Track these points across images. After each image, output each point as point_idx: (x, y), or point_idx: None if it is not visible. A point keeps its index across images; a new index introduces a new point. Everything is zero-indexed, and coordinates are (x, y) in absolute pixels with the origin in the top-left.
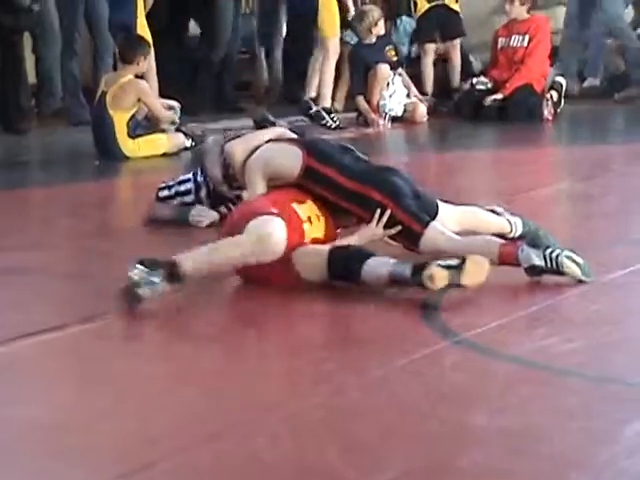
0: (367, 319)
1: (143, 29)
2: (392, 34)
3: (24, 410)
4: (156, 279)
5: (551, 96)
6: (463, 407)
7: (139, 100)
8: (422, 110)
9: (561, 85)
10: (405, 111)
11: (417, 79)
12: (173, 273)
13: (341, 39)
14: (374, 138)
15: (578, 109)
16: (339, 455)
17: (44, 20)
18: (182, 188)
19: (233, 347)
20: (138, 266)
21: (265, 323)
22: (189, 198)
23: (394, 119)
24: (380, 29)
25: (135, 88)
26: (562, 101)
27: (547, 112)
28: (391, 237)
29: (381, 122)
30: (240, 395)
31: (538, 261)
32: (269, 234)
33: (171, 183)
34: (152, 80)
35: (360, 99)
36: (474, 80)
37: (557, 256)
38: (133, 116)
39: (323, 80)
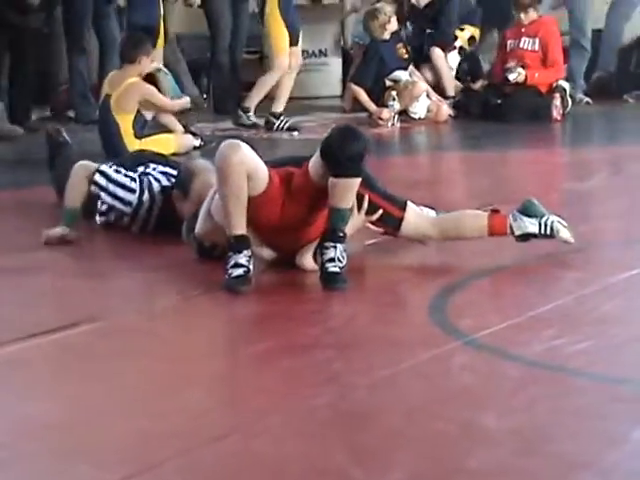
0: (374, 320)
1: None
2: (402, 32)
3: (32, 408)
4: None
5: (561, 97)
6: (472, 408)
7: (140, 103)
8: (445, 110)
9: (564, 89)
10: (428, 111)
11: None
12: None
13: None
14: (382, 137)
15: (587, 110)
16: (345, 456)
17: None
18: (119, 193)
19: (239, 347)
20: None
21: (271, 323)
22: (127, 209)
23: (417, 119)
24: (393, 25)
25: (139, 91)
26: (569, 102)
27: (556, 113)
28: (372, 223)
29: (390, 123)
30: (245, 395)
31: (533, 228)
32: (228, 156)
33: (112, 178)
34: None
35: (360, 90)
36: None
37: (552, 222)
38: (138, 115)
39: (257, 87)
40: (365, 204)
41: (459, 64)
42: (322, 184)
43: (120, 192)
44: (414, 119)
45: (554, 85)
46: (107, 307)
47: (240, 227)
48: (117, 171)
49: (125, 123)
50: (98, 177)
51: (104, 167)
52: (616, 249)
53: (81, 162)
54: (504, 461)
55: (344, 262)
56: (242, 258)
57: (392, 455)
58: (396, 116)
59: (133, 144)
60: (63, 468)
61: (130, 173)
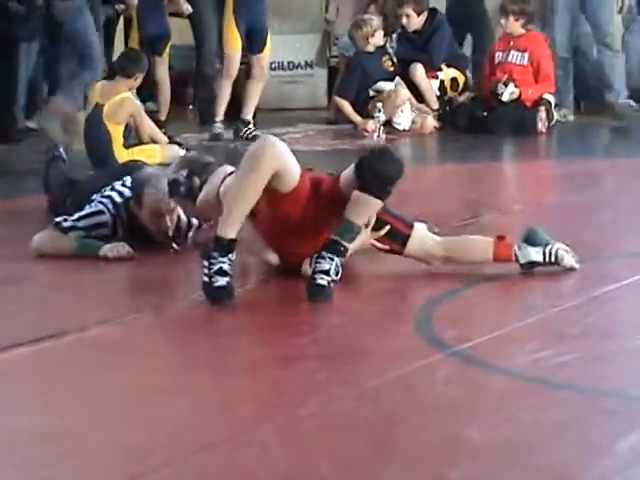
0: (360, 331)
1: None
2: (388, 45)
3: (15, 419)
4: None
5: (546, 110)
6: (456, 419)
7: (131, 116)
8: (430, 122)
9: (549, 102)
10: (413, 123)
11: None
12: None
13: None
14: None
15: (573, 122)
16: (330, 467)
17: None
18: (91, 221)
19: (224, 358)
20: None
21: (256, 334)
22: (105, 230)
23: (402, 131)
24: (378, 40)
25: (129, 106)
26: (555, 115)
27: (541, 125)
28: (379, 240)
29: (375, 135)
30: (231, 406)
31: (537, 257)
32: (262, 148)
33: (78, 215)
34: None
35: (344, 102)
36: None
37: (557, 250)
38: (127, 126)
39: (217, 97)
40: (372, 220)
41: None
42: (348, 196)
43: (92, 220)
44: (398, 130)
45: (541, 99)
46: (91, 318)
47: (234, 230)
48: (72, 214)
49: (116, 133)
50: (65, 224)
51: (58, 219)
52: (601, 262)
53: (39, 236)
54: (488, 472)
55: (336, 278)
56: (226, 264)
57: (376, 466)
58: (382, 127)
59: (122, 154)
60: (46, 476)
61: (86, 207)
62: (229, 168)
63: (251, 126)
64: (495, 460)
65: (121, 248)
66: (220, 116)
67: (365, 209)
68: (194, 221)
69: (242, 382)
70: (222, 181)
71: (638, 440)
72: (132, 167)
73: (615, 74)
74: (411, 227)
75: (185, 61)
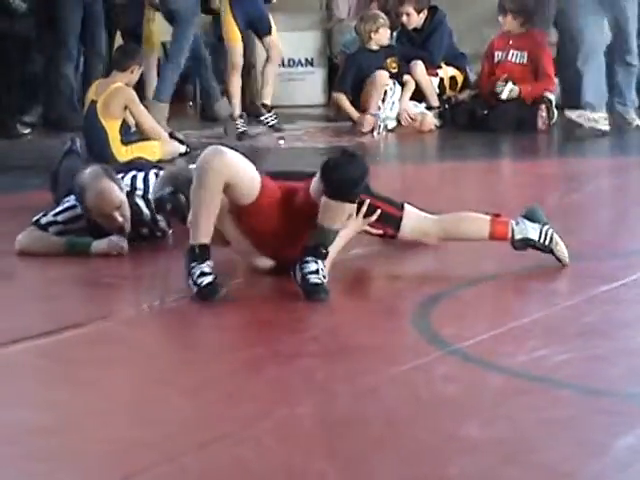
0: (358, 329)
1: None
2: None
3: (13, 414)
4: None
5: (546, 108)
6: (454, 417)
7: (126, 108)
8: (430, 120)
9: (550, 100)
10: (412, 120)
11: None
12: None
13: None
14: (368, 147)
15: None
16: (328, 464)
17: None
18: (69, 214)
19: (223, 355)
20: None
21: (255, 332)
22: (83, 223)
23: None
24: (381, 38)
25: (123, 95)
26: (555, 113)
27: (541, 123)
28: (372, 225)
29: (375, 132)
30: (229, 403)
31: (533, 234)
32: (208, 162)
33: (56, 210)
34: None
35: (342, 97)
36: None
37: (552, 233)
38: (124, 122)
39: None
40: (364, 207)
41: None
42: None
43: (69, 214)
44: (381, 123)
45: (541, 97)
46: (89, 314)
47: (205, 236)
48: (49, 212)
49: (112, 129)
50: (44, 219)
51: (37, 216)
52: (600, 261)
53: (22, 236)
54: (486, 470)
55: (325, 279)
56: (206, 267)
57: (375, 463)
58: (381, 125)
59: (120, 150)
60: (41, 473)
61: (64, 202)
62: None
63: (272, 112)
64: (493, 458)
65: (118, 242)
66: (237, 110)
67: (338, 214)
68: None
69: (240, 379)
70: None
71: (636, 439)
72: (126, 166)
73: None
74: (401, 209)
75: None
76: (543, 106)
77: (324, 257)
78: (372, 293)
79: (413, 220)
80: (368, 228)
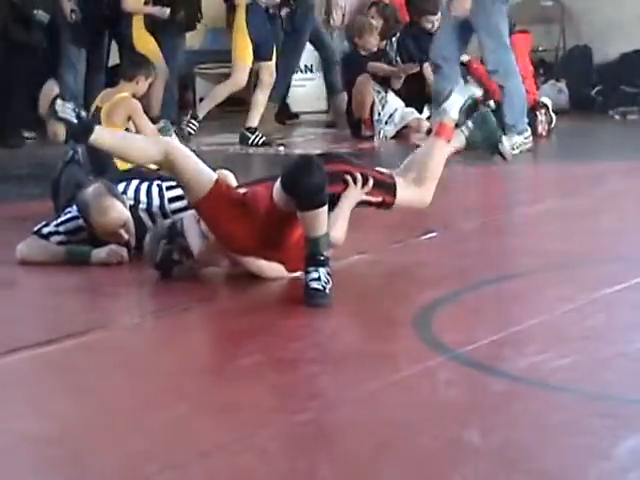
0: (359, 334)
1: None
2: (388, 49)
3: (15, 423)
4: None
5: (544, 113)
6: (456, 423)
7: (129, 119)
8: (424, 124)
9: (546, 105)
10: (406, 127)
11: None
12: None
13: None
14: (368, 153)
15: (572, 125)
16: (331, 471)
17: None
18: (71, 226)
19: (224, 362)
20: None
21: (256, 338)
22: (85, 234)
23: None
24: (367, 43)
25: (127, 106)
26: (553, 118)
27: (541, 128)
28: (369, 194)
29: (375, 138)
30: (230, 411)
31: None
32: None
33: (59, 221)
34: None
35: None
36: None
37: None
38: (127, 130)
39: (210, 96)
40: (359, 177)
41: None
42: (287, 209)
43: (71, 224)
44: (381, 129)
45: (537, 102)
46: (89, 323)
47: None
48: (51, 222)
49: None
50: (45, 229)
51: (39, 226)
52: (600, 265)
53: (22, 245)
54: (488, 477)
55: (328, 284)
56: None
57: (377, 470)
58: (381, 130)
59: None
60: None
61: (66, 212)
62: (189, 212)
63: (258, 132)
64: (495, 463)
65: (118, 251)
66: (255, 123)
67: (316, 221)
68: None
69: (241, 386)
70: (198, 222)
71: (637, 444)
72: (128, 174)
73: None
74: (391, 176)
75: (185, 65)
76: (542, 111)
77: (324, 264)
78: (373, 298)
79: (403, 185)
80: (367, 197)
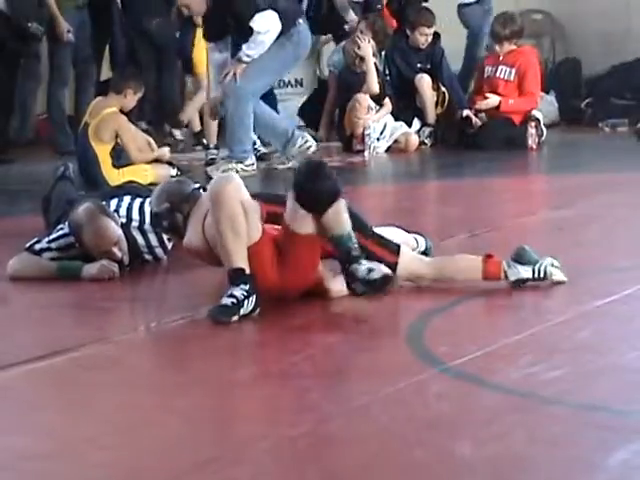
0: (352, 348)
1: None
2: (377, 62)
3: (9, 439)
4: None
5: (535, 126)
6: (448, 436)
7: (117, 135)
8: (414, 140)
9: (537, 119)
10: (396, 142)
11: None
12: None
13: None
14: (360, 167)
15: (562, 137)
16: None
17: None
18: (63, 242)
19: (217, 376)
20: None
21: (249, 352)
22: (75, 251)
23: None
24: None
25: (114, 121)
26: (544, 131)
27: (532, 141)
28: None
29: (366, 152)
30: (224, 425)
31: (526, 274)
32: (222, 184)
33: (50, 238)
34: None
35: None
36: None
37: (545, 267)
38: (116, 145)
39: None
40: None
41: None
42: (304, 231)
43: (63, 241)
44: (372, 143)
45: (528, 115)
46: (82, 338)
47: (239, 260)
48: (43, 239)
49: (102, 153)
50: (37, 246)
51: (31, 242)
52: (592, 277)
53: (14, 261)
54: None
55: (377, 267)
56: (238, 291)
57: None
58: (372, 146)
59: (111, 174)
60: None
61: (58, 229)
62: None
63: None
64: (487, 476)
65: (109, 267)
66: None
67: (338, 218)
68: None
69: (236, 400)
70: (204, 217)
71: (629, 455)
72: (120, 189)
73: None
74: (397, 254)
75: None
76: (533, 124)
77: (361, 257)
78: (365, 311)
79: (408, 263)
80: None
